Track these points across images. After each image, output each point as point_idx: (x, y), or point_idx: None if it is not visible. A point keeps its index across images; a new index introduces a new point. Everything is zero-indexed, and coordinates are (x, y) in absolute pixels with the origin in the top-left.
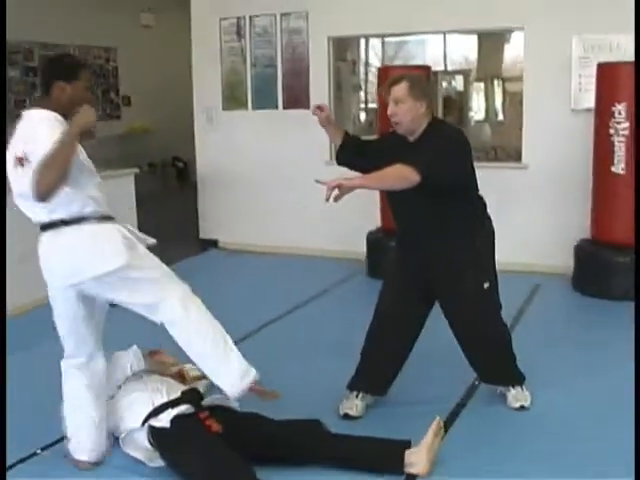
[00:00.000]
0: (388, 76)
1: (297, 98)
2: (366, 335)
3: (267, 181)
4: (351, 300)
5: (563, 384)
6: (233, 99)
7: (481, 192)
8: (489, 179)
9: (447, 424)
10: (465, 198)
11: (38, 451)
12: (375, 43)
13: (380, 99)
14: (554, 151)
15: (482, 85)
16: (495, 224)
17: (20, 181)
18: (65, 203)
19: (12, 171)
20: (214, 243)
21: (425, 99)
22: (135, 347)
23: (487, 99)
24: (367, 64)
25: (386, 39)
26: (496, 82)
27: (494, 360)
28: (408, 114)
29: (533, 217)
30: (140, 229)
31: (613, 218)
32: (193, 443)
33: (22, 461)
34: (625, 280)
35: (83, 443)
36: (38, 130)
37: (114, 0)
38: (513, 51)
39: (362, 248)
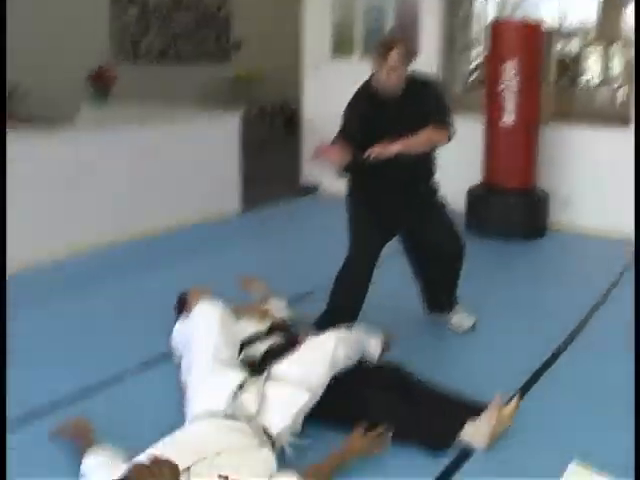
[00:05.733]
0: (501, 32)
1: None
2: (338, 281)
3: None
4: None
5: None
6: (342, 44)
7: (594, 157)
8: (597, 144)
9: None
10: None
11: None
12: None
13: (487, 57)
14: None
15: (600, 48)
16: (600, 190)
17: None
18: None
19: None
20: (314, 189)
21: (410, 62)
22: (221, 303)
23: (605, 62)
24: (484, 20)
25: None
26: (615, 45)
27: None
28: (400, 79)
29: None
30: (243, 171)
31: None
32: None
33: None
34: None
35: None
36: None
37: None
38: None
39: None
